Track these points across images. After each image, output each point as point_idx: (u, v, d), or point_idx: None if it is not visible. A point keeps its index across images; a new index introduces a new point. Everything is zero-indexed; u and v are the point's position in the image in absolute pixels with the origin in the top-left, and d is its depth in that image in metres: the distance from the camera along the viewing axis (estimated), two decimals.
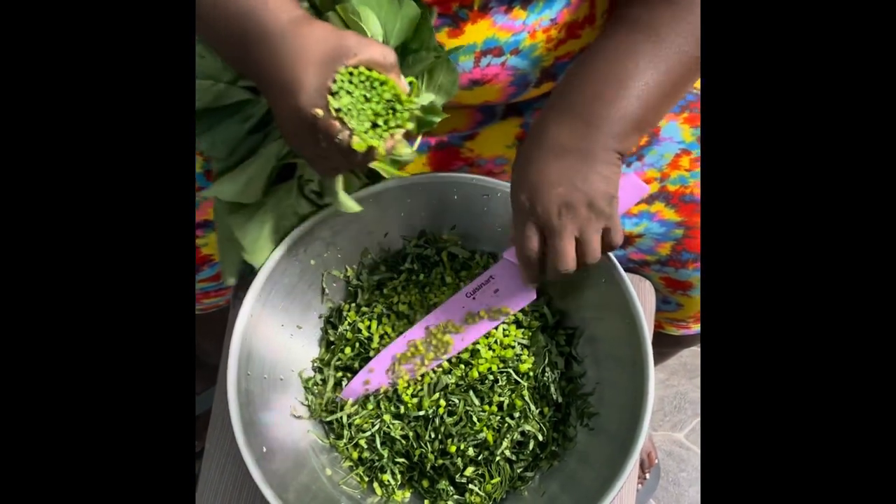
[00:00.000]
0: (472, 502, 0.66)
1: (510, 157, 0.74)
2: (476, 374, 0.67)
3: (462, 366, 0.68)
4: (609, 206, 0.57)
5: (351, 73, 0.52)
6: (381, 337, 0.70)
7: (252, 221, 0.65)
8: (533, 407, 0.67)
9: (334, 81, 0.51)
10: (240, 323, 0.64)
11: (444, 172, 0.71)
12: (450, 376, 0.67)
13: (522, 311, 0.71)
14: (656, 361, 0.98)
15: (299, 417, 0.69)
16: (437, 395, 0.67)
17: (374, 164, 0.59)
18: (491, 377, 0.67)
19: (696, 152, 0.73)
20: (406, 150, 0.63)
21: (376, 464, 0.68)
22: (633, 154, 0.73)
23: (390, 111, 0.53)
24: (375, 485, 0.68)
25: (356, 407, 0.68)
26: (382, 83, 0.52)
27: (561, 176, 0.56)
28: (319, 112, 0.52)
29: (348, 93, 0.52)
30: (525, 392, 0.67)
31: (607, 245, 0.60)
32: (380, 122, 0.53)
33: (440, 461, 0.66)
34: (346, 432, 0.68)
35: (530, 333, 0.70)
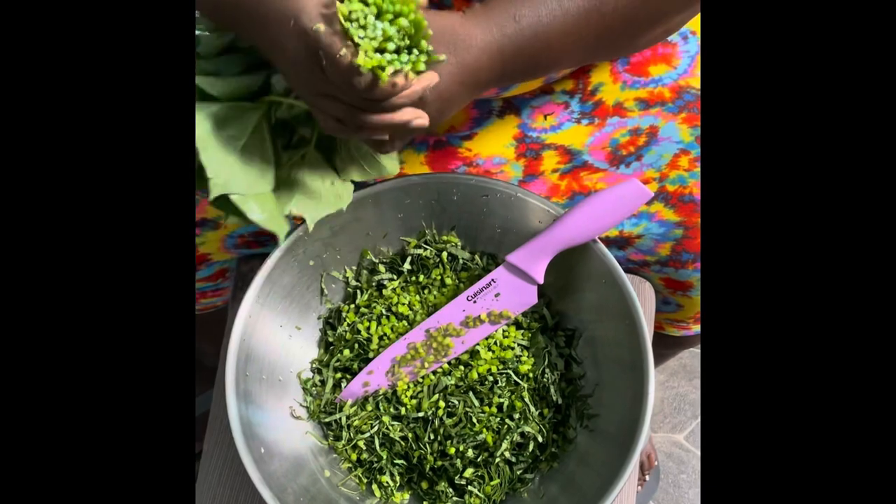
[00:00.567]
0: None
1: (509, 157, 0.74)
2: (476, 376, 0.67)
3: (462, 367, 0.68)
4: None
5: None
6: (381, 338, 0.70)
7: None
8: (532, 408, 0.67)
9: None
10: (238, 324, 0.64)
11: (443, 172, 0.71)
12: (449, 377, 0.67)
13: (522, 312, 0.71)
14: (656, 363, 0.98)
15: (298, 419, 0.69)
16: (436, 396, 0.66)
17: (382, 159, 0.56)
18: (490, 378, 0.67)
19: (695, 152, 0.73)
20: (391, 164, 0.62)
21: (375, 465, 0.67)
22: (632, 154, 0.73)
23: (405, 38, 0.46)
24: (374, 486, 0.68)
25: (355, 408, 0.68)
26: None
27: (453, 100, 0.53)
28: (321, 27, 0.46)
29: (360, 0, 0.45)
30: (525, 393, 0.67)
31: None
32: (389, 47, 0.46)
33: (439, 463, 0.66)
34: (344, 434, 0.68)
35: (530, 335, 0.70)
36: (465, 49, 0.52)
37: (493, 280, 0.67)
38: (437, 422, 0.66)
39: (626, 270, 0.68)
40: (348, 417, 0.68)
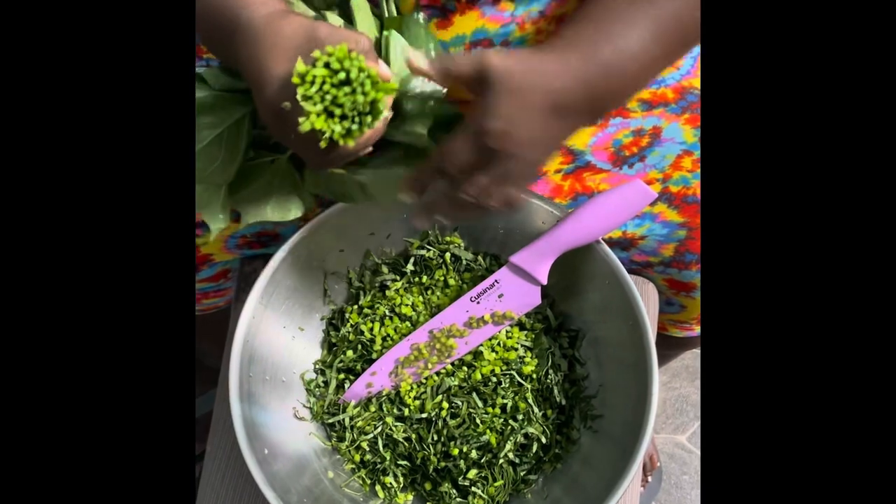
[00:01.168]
0: None
1: None
2: (479, 377, 0.67)
3: (465, 368, 0.68)
4: (512, 156, 0.52)
5: (326, 64, 0.48)
6: (384, 339, 0.69)
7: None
8: (536, 409, 0.67)
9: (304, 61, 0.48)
10: (241, 324, 0.64)
11: None
12: (453, 378, 0.67)
13: (525, 313, 0.71)
14: (659, 363, 0.98)
15: (301, 419, 0.69)
16: (439, 397, 0.66)
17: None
18: (494, 379, 0.67)
19: (699, 153, 0.73)
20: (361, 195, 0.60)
21: (378, 466, 0.67)
22: (635, 155, 0.73)
23: (360, 94, 0.48)
24: (378, 487, 0.67)
25: (358, 409, 0.68)
26: (354, 65, 0.48)
27: (545, 136, 0.52)
28: (287, 105, 0.50)
29: (314, 79, 0.48)
30: (528, 394, 0.67)
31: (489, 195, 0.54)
32: (345, 101, 0.48)
33: (443, 464, 0.66)
34: (348, 435, 0.68)
35: (533, 336, 0.70)
36: (552, 78, 0.51)
37: (496, 281, 0.67)
38: (440, 423, 0.66)
39: (630, 271, 0.68)
40: (352, 419, 0.68)
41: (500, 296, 0.67)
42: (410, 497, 0.68)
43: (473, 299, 0.67)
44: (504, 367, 0.67)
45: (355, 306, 0.72)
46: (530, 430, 0.66)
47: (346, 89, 0.48)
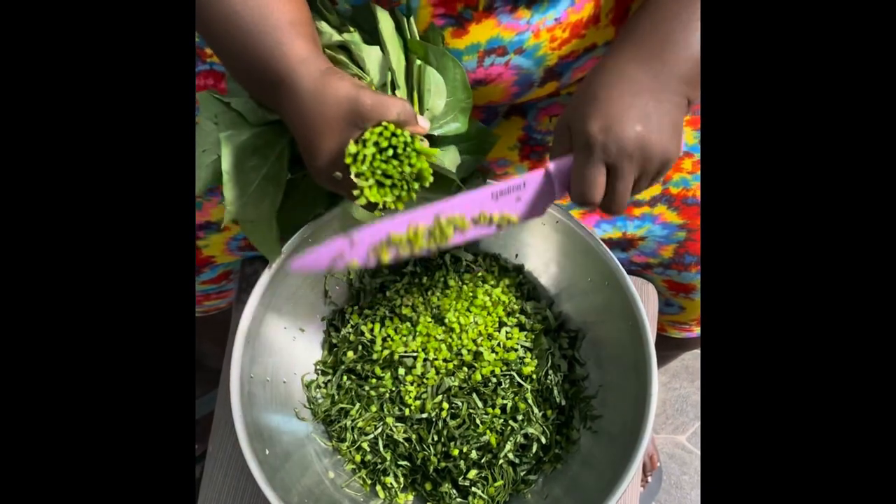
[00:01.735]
0: None
1: (512, 159, 0.74)
2: (479, 377, 0.67)
3: (465, 368, 0.68)
4: (671, 164, 0.55)
5: (375, 143, 0.53)
6: (384, 339, 0.70)
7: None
8: (536, 410, 0.67)
9: (356, 142, 0.53)
10: (242, 325, 0.64)
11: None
12: (453, 379, 0.67)
13: (525, 313, 0.71)
14: (659, 364, 0.98)
15: (302, 420, 0.69)
16: (439, 397, 0.67)
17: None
18: (494, 380, 0.67)
19: (699, 155, 0.73)
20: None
21: (379, 467, 0.68)
22: None
23: (407, 165, 0.54)
24: (378, 488, 0.68)
25: (359, 410, 0.68)
26: (400, 140, 0.54)
27: (641, 114, 0.53)
28: (339, 175, 0.55)
29: (364, 158, 0.53)
30: (528, 395, 0.67)
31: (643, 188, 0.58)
32: (394, 174, 0.54)
33: (443, 464, 0.66)
34: (348, 435, 0.68)
35: (533, 336, 0.70)
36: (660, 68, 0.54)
37: (524, 183, 0.60)
38: (440, 423, 0.66)
39: (629, 272, 0.68)
40: (353, 419, 0.68)
41: (517, 198, 0.61)
42: (411, 497, 0.68)
43: (495, 196, 0.60)
44: (504, 368, 0.67)
45: (356, 307, 0.73)
46: (530, 430, 0.66)
47: (395, 162, 0.54)
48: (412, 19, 0.60)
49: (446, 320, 0.69)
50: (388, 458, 0.67)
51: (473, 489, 0.66)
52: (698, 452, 1.30)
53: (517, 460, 0.67)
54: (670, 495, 1.27)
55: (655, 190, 0.74)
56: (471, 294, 0.71)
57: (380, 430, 0.67)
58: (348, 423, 0.68)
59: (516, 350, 0.69)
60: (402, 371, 0.68)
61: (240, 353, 0.63)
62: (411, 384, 0.67)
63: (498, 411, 0.66)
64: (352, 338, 0.71)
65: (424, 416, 0.66)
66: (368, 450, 0.68)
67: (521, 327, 0.71)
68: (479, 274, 0.73)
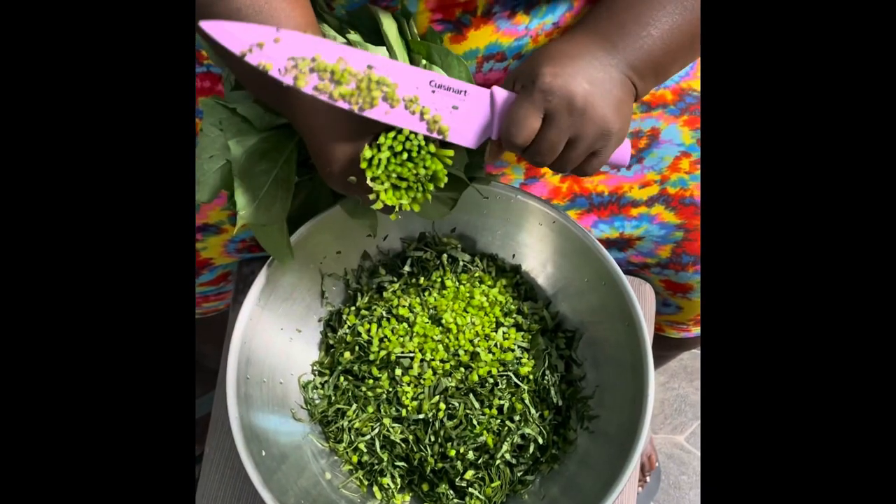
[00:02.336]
0: None
1: (510, 160, 0.74)
2: (476, 378, 0.67)
3: (462, 369, 0.68)
4: (609, 139, 0.55)
5: (390, 146, 0.54)
6: (381, 340, 0.70)
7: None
8: (533, 410, 0.67)
9: (370, 145, 0.54)
10: (239, 326, 0.64)
11: None
12: (449, 379, 0.67)
13: (522, 313, 0.71)
14: (656, 364, 0.98)
15: (299, 421, 0.69)
16: (436, 398, 0.67)
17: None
18: (491, 380, 0.67)
19: (696, 155, 0.73)
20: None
21: (376, 467, 0.68)
22: (633, 156, 0.73)
23: (422, 167, 0.55)
24: (375, 489, 0.68)
25: (356, 411, 0.68)
26: (414, 144, 0.54)
27: (591, 77, 0.54)
28: (353, 179, 0.55)
29: (379, 162, 0.54)
30: (525, 395, 0.67)
31: (581, 168, 0.58)
32: (409, 176, 0.55)
33: (440, 465, 0.66)
34: (345, 436, 0.68)
35: (530, 336, 0.70)
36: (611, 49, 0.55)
37: (466, 91, 0.56)
38: (437, 424, 0.66)
39: (627, 272, 0.68)
40: (349, 420, 0.68)
41: (454, 106, 0.56)
42: (408, 498, 0.68)
43: (433, 85, 0.55)
44: (501, 368, 0.67)
45: (353, 308, 0.72)
46: (527, 430, 0.66)
47: (410, 165, 0.54)
48: (412, 21, 0.60)
49: (443, 321, 0.69)
50: (385, 458, 0.67)
51: (470, 490, 0.66)
52: (697, 452, 1.30)
53: (514, 461, 0.67)
54: (669, 495, 1.27)
55: (653, 190, 0.74)
56: (468, 294, 0.71)
57: (377, 430, 0.67)
58: (345, 423, 0.68)
59: (513, 350, 0.69)
60: (398, 372, 0.67)
61: (236, 354, 0.63)
62: (408, 385, 0.67)
63: (495, 412, 0.66)
64: (349, 338, 0.71)
65: (421, 416, 0.66)
66: (365, 451, 0.68)
67: (518, 327, 0.71)
68: (476, 274, 0.73)
